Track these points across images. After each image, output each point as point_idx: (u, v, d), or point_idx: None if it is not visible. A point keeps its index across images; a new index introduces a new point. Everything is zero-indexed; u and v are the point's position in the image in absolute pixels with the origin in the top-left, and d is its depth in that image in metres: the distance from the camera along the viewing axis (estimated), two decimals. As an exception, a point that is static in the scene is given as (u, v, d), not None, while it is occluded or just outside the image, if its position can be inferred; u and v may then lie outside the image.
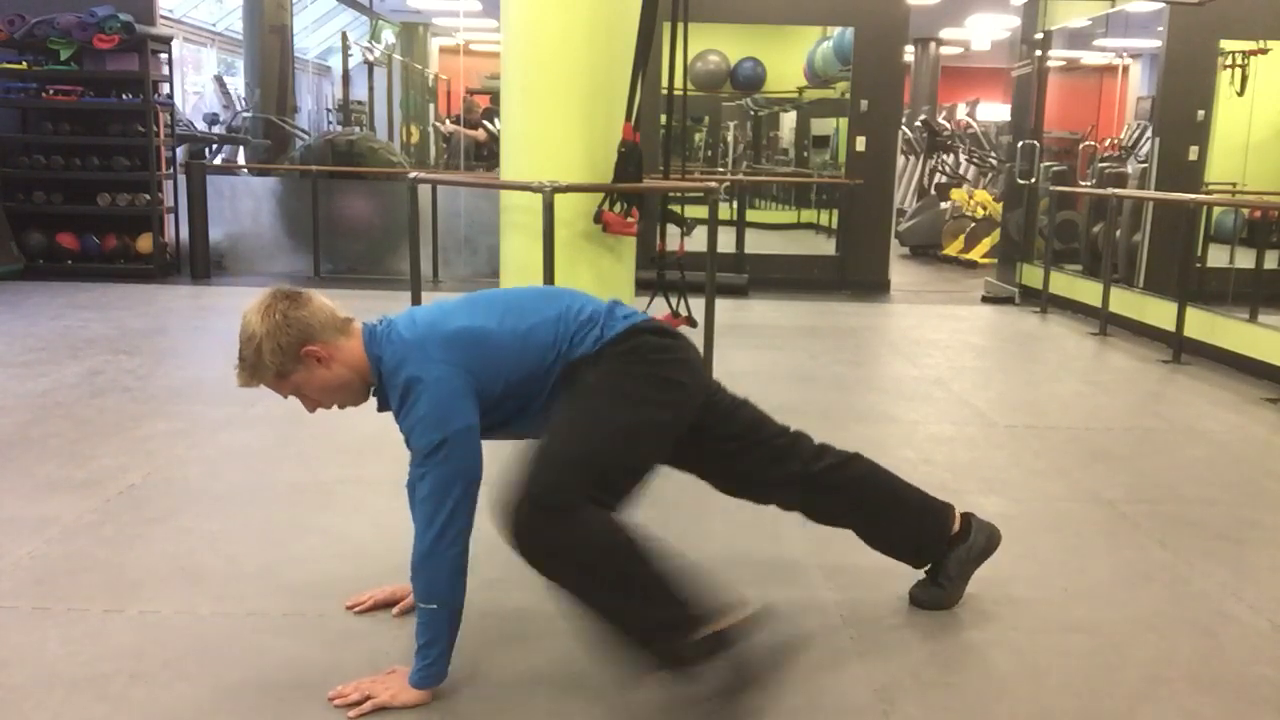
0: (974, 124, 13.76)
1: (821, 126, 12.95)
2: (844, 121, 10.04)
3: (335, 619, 2.48)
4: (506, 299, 2.29)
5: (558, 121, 4.29)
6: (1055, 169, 8.64)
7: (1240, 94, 7.84)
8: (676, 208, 5.23)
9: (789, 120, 13.98)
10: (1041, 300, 7.89)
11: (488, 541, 2.72)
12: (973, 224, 11.14)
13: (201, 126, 10.96)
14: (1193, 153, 7.43)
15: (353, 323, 2.20)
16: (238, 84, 12.30)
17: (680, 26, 4.59)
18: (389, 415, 2.18)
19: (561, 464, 2.05)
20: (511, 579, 2.71)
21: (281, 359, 2.10)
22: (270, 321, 2.09)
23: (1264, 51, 7.79)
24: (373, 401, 2.24)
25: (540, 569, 2.05)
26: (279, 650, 2.32)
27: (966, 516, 2.58)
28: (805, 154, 13.40)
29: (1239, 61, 7.81)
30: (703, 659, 1.96)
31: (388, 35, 16.38)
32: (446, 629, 2.09)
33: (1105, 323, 6.90)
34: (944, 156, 13.30)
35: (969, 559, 2.56)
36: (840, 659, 2.36)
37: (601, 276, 4.41)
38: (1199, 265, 7.20)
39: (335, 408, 2.25)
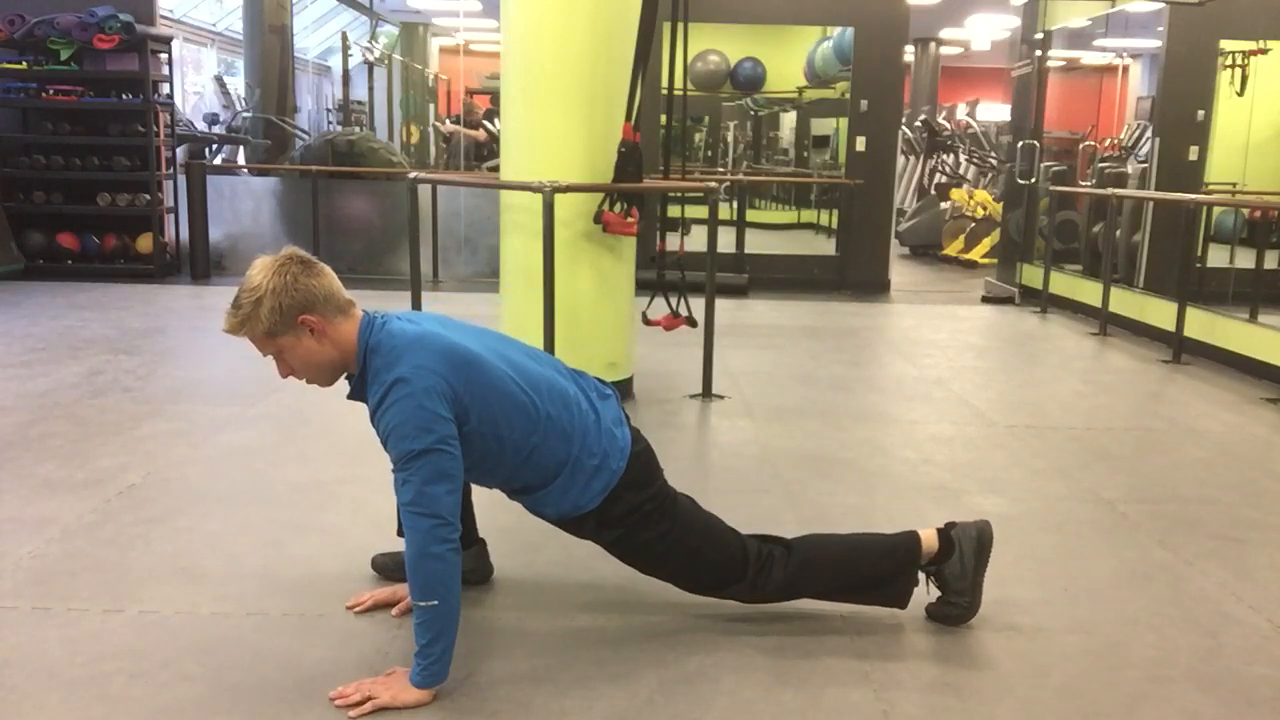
0: (974, 124, 13.76)
1: (821, 126, 12.93)
2: (844, 121, 10.03)
3: (335, 619, 2.48)
4: (506, 358, 2.27)
5: (558, 121, 4.29)
6: (1055, 169, 8.64)
7: (1240, 94, 7.82)
8: (674, 210, 5.23)
9: (789, 120, 13.96)
10: (1041, 300, 7.89)
11: (488, 542, 2.73)
12: (973, 224, 11.14)
13: (201, 126, 10.96)
14: (1193, 153, 7.42)
15: (354, 306, 2.22)
16: (238, 84, 12.30)
17: (680, 26, 4.58)
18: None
19: (709, 560, 2.40)
20: (512, 579, 2.72)
21: (277, 319, 2.11)
22: (279, 280, 2.10)
23: (1264, 51, 7.78)
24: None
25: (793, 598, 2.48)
26: (279, 650, 2.32)
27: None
28: (805, 154, 13.39)
29: (1239, 61, 7.80)
30: (952, 552, 2.44)
31: (383, 38, 16.37)
32: (446, 628, 2.09)
33: (1105, 323, 6.90)
34: (944, 156, 13.30)
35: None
36: (840, 659, 2.35)
37: (601, 276, 4.42)
38: (1199, 265, 7.19)
39: (305, 381, 2.26)
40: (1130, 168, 8.30)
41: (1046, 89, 8.67)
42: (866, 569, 2.47)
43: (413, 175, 5.19)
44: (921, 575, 2.48)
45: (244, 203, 8.76)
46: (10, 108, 8.03)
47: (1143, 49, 9.10)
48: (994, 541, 2.49)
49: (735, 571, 2.40)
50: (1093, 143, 9.60)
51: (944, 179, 12.94)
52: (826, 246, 9.98)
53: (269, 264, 2.13)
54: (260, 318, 2.10)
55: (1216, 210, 7.82)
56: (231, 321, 2.15)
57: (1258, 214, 7.73)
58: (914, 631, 2.49)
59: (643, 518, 2.33)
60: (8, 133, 8.05)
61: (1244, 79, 7.81)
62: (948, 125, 14.02)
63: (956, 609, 2.49)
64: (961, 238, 11.19)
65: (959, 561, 2.46)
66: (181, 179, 8.46)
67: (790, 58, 12.07)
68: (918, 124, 14.04)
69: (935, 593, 2.51)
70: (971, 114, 15.01)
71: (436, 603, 2.06)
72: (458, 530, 2.09)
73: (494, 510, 2.74)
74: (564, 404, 2.28)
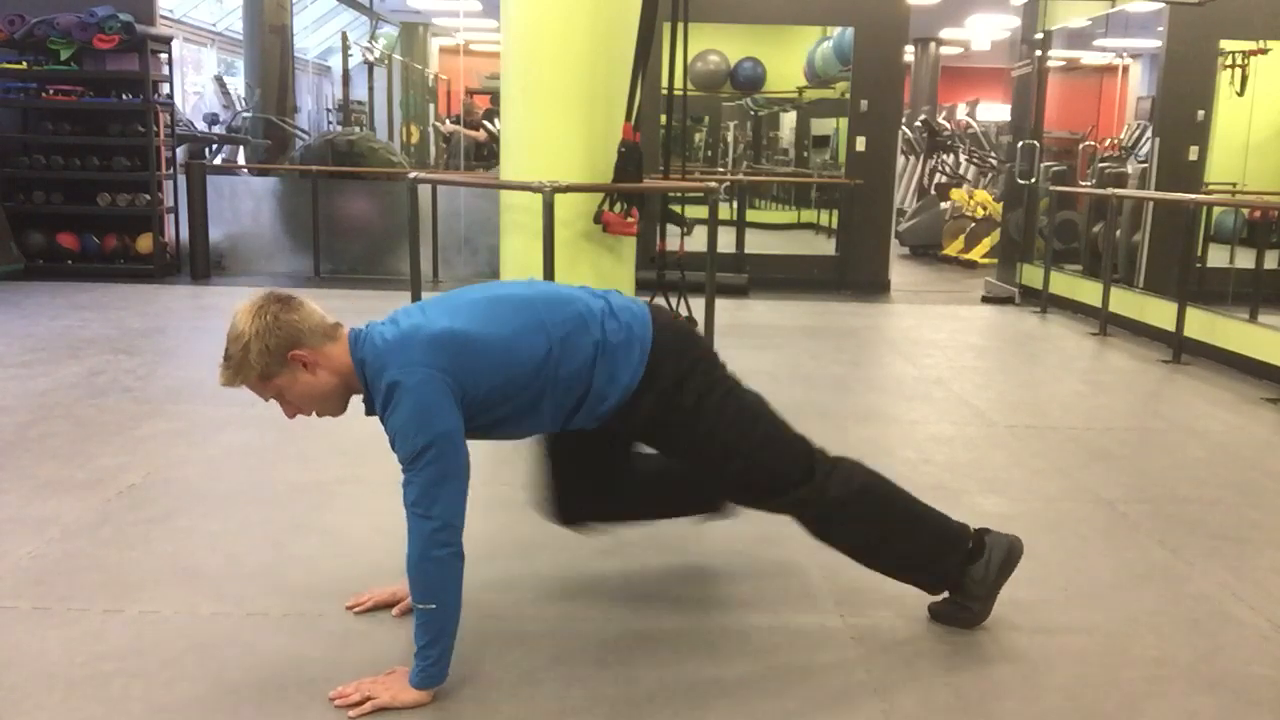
0: (974, 124, 13.76)
1: (821, 126, 12.94)
2: (844, 121, 10.04)
3: (335, 619, 2.48)
4: (490, 302, 2.26)
5: (558, 121, 4.29)
6: (1055, 169, 8.64)
7: (1240, 94, 7.83)
8: (677, 208, 5.23)
9: (789, 120, 13.97)
10: (1041, 300, 7.89)
11: (487, 542, 2.73)
12: (973, 224, 11.14)
13: (201, 126, 10.96)
14: (1193, 153, 7.42)
15: (340, 328, 2.21)
16: (238, 84, 12.30)
17: (680, 26, 4.59)
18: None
19: (767, 460, 2.35)
20: (511, 579, 2.72)
21: (268, 361, 2.11)
22: (260, 322, 2.10)
23: (1264, 51, 7.79)
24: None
25: (835, 532, 2.42)
26: (279, 650, 2.32)
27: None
28: (805, 154, 13.40)
29: (1239, 61, 7.80)
30: (981, 556, 2.43)
31: (383, 38, 16.37)
32: (446, 629, 2.09)
33: (1105, 323, 6.90)
34: (944, 156, 13.30)
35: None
36: (841, 658, 2.36)
37: (602, 276, 4.41)
38: (1199, 265, 7.19)
39: (315, 415, 2.25)
40: (1130, 168, 8.31)
41: (1046, 89, 8.67)
42: (918, 531, 2.43)
43: (413, 175, 5.19)
44: None
45: (244, 203, 8.75)
46: (10, 108, 8.02)
47: (1143, 49, 9.11)
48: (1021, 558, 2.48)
49: (794, 477, 2.35)
50: (1093, 143, 9.61)
51: (944, 179, 12.94)
52: (826, 246, 9.98)
53: (248, 309, 2.13)
54: (251, 363, 2.11)
55: (1216, 210, 7.82)
56: (226, 374, 2.16)
57: (1258, 214, 7.73)
58: (914, 632, 2.49)
59: (695, 395, 2.30)
60: (8, 133, 8.05)
61: (1244, 79, 7.81)
62: (948, 125, 14.02)
63: (967, 613, 2.48)
64: (961, 238, 11.19)
65: (984, 567, 2.44)
66: (181, 179, 8.45)
67: (790, 58, 12.08)
68: (918, 124, 14.04)
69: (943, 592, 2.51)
70: (971, 114, 15.01)
71: (435, 606, 2.06)
72: (460, 533, 2.09)
73: (494, 510, 2.74)
74: (566, 302, 2.27)
